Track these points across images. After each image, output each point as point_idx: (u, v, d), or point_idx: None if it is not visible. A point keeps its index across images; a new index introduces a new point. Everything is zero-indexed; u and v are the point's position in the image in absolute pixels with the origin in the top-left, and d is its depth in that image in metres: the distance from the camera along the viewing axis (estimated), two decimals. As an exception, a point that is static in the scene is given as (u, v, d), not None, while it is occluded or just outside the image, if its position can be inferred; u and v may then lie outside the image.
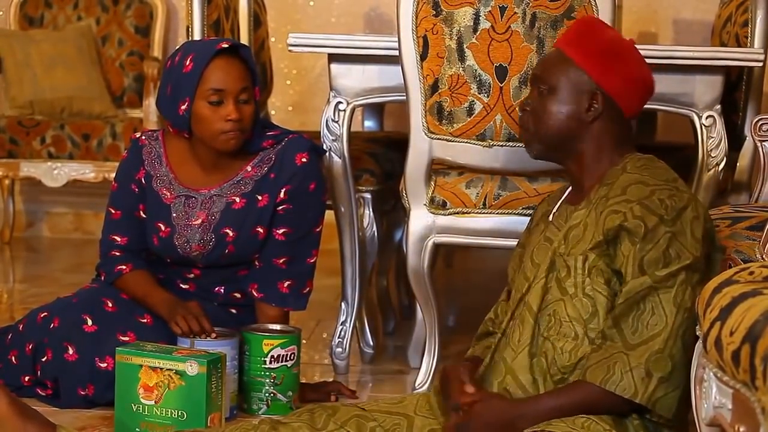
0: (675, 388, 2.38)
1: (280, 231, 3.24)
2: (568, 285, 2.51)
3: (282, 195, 3.22)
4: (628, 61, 2.62)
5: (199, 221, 3.23)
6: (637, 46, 2.67)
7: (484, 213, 3.31)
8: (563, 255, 2.53)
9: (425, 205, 3.33)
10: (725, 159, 3.39)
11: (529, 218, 2.84)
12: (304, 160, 3.22)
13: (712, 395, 2.10)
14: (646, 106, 2.72)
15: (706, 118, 3.37)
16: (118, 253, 3.30)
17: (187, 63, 3.13)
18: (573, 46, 2.61)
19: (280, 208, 3.23)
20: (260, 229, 3.23)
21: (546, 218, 2.68)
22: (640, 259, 2.43)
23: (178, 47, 3.25)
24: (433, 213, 3.33)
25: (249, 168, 3.25)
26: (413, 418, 2.55)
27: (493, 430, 2.42)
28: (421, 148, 3.27)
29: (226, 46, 3.15)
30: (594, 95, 2.58)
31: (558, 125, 2.59)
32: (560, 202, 2.69)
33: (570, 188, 2.70)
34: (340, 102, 3.48)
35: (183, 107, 3.14)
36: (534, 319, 2.54)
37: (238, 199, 3.23)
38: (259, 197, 3.23)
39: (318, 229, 3.29)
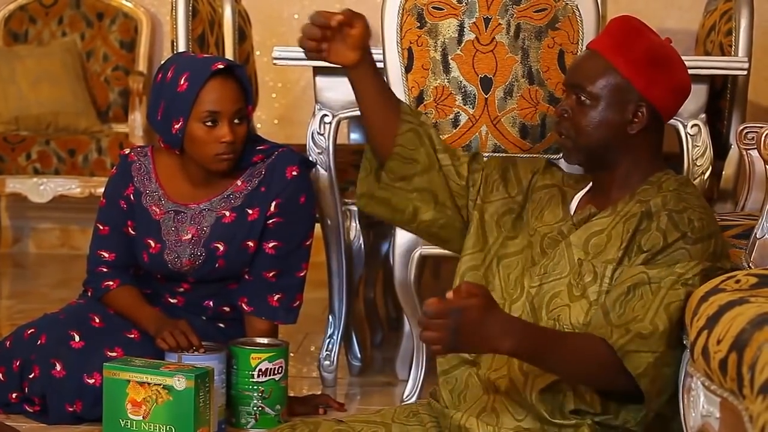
0: (650, 350, 2.28)
1: (270, 244, 3.23)
2: (591, 291, 2.39)
3: (272, 208, 3.22)
4: (672, 68, 2.48)
5: (189, 236, 3.23)
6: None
7: (470, 224, 3.30)
8: (590, 260, 2.42)
9: (412, 216, 3.33)
10: (711, 167, 3.40)
11: (518, 164, 2.69)
12: (294, 173, 3.22)
13: (699, 404, 2.10)
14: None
15: (691, 126, 3.38)
16: (105, 269, 3.30)
17: (182, 82, 3.11)
18: (615, 53, 2.44)
19: (271, 221, 3.22)
20: (250, 243, 3.23)
21: (563, 204, 2.56)
22: (644, 259, 2.35)
23: (168, 60, 3.22)
24: (420, 225, 3.32)
25: (239, 182, 3.24)
26: (390, 425, 2.55)
27: (482, 327, 2.17)
28: (407, 160, 3.26)
29: (222, 66, 3.14)
30: (639, 107, 2.44)
31: (600, 137, 2.44)
32: (580, 195, 2.56)
33: (590, 185, 2.56)
34: (325, 115, 3.48)
35: (177, 126, 3.13)
36: (536, 319, 2.44)
37: (228, 213, 3.23)
38: (250, 211, 3.23)
39: (308, 243, 3.28)
